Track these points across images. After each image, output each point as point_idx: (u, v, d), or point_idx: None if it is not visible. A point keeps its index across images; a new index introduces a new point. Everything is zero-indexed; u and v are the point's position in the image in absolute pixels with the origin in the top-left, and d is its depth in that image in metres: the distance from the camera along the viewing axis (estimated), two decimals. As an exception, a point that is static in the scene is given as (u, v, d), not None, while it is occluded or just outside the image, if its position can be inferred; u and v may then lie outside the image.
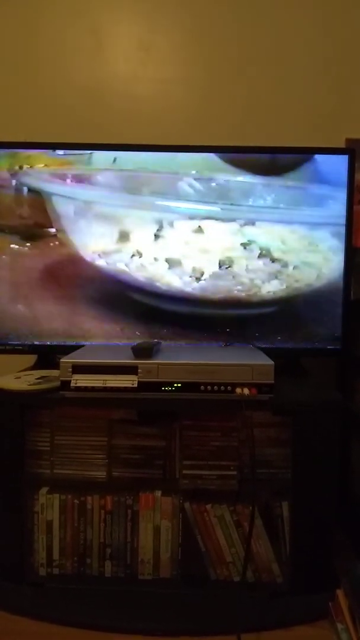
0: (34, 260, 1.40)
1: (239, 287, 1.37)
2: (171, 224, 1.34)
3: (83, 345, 1.39)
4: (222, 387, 1.17)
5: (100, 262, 1.39)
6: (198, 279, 1.35)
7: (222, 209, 1.34)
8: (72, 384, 1.17)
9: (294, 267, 1.39)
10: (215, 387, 1.17)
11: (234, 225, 1.34)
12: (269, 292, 1.39)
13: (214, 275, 1.36)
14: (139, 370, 1.17)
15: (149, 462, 1.29)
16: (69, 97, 1.68)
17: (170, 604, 1.22)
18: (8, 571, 1.24)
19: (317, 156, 1.40)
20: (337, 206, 1.39)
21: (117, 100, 1.69)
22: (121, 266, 1.38)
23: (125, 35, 1.68)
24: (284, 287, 1.39)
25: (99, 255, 1.38)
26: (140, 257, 1.36)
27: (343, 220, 1.40)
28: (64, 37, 1.68)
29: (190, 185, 1.28)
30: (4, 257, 1.40)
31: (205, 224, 1.35)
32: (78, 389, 1.17)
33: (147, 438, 1.29)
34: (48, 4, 1.67)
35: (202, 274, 1.34)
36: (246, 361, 1.19)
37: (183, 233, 1.36)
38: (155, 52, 1.68)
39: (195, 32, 1.67)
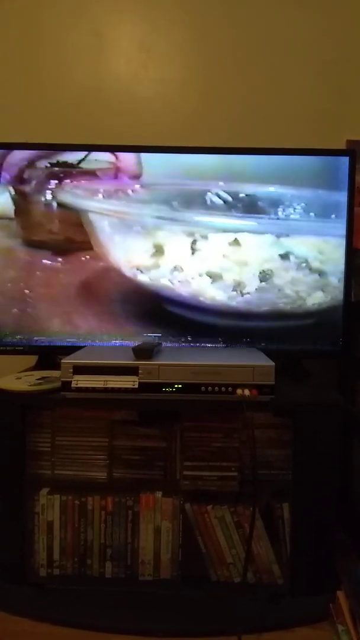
0: (70, 275, 1.40)
1: (284, 300, 1.37)
2: (205, 237, 1.34)
3: (84, 346, 1.40)
4: (223, 388, 1.17)
5: (142, 278, 1.39)
6: (243, 293, 1.34)
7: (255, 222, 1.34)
8: (73, 385, 1.17)
9: (334, 277, 1.39)
10: (216, 388, 1.17)
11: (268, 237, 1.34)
12: (313, 304, 1.39)
13: (259, 289, 1.36)
14: (140, 371, 1.17)
15: (149, 463, 1.29)
16: (71, 98, 1.68)
17: (170, 605, 1.22)
18: (9, 572, 1.24)
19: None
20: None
21: (119, 101, 1.69)
22: (164, 282, 1.38)
23: (127, 36, 1.68)
24: (329, 299, 1.40)
25: (139, 270, 1.38)
26: (181, 271, 1.36)
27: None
28: (66, 39, 1.68)
29: (219, 196, 1.28)
30: (38, 273, 1.41)
31: (240, 236, 1.35)
32: (79, 389, 1.17)
33: (148, 439, 1.29)
34: (50, 5, 1.67)
35: (244, 288, 1.33)
36: (247, 362, 1.19)
37: (219, 246, 1.36)
38: (156, 54, 1.68)
39: (195, 34, 1.68)
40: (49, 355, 1.48)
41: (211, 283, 1.36)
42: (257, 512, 1.22)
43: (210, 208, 1.33)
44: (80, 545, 1.28)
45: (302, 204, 1.35)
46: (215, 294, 1.37)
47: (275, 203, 1.34)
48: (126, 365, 1.18)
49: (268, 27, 1.67)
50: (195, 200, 1.35)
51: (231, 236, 1.34)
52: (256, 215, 1.34)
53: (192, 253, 1.33)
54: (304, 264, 1.35)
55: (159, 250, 1.35)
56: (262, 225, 1.34)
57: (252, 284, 1.37)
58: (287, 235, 1.35)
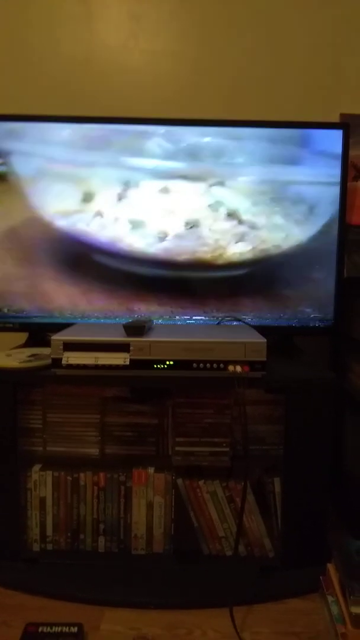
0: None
1: (204, 249, 1.34)
2: (137, 184, 1.31)
3: (74, 324, 1.39)
4: (215, 365, 1.16)
5: (61, 223, 1.35)
6: (162, 239, 1.31)
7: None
8: (64, 362, 1.16)
9: (261, 229, 1.35)
10: (207, 364, 1.16)
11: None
12: (234, 253, 1.36)
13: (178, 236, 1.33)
14: (131, 348, 1.16)
15: (141, 439, 1.30)
16: (57, 69, 1.64)
17: (163, 578, 1.24)
18: (2, 548, 1.25)
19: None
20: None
21: (107, 72, 1.65)
22: (82, 227, 1.34)
23: (116, 4, 1.64)
24: (250, 248, 1.36)
25: (60, 215, 1.35)
26: (102, 217, 1.33)
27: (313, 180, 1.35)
28: (52, 6, 1.63)
29: (159, 145, 1.25)
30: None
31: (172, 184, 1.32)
32: (69, 366, 1.16)
33: (139, 415, 1.29)
34: (36, -28, 1.62)
35: (166, 235, 1.30)
36: (238, 339, 1.18)
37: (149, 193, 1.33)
38: (146, 23, 1.64)
39: (187, 3, 1.63)
40: (39, 332, 1.47)
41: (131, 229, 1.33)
42: (249, 487, 1.23)
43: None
44: (73, 520, 1.29)
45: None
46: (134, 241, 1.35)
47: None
48: (117, 342, 1.17)
49: (261, -4, 1.63)
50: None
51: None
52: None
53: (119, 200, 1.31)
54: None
55: (87, 197, 1.33)
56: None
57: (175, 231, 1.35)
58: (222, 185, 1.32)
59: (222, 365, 1.16)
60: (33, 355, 1.29)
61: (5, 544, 1.25)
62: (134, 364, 1.16)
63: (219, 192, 1.30)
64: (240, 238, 1.32)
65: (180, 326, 1.38)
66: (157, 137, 1.32)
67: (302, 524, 1.23)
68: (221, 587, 1.17)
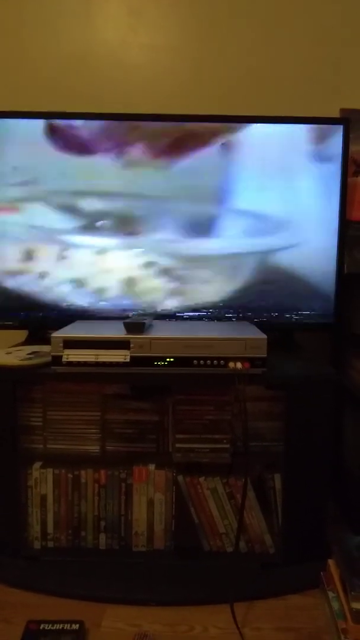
0: None
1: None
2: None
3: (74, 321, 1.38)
4: (215, 362, 1.16)
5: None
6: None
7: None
8: (64, 359, 1.16)
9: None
10: (208, 361, 1.16)
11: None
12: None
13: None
14: (131, 345, 1.16)
15: (142, 436, 1.30)
16: (56, 64, 1.63)
17: (164, 574, 1.24)
18: (3, 545, 1.25)
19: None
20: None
21: (106, 67, 1.64)
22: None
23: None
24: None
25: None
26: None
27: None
28: (51, 1, 1.62)
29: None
30: None
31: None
32: (70, 364, 1.16)
33: (140, 412, 1.29)
34: (34, -33, 1.61)
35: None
36: (239, 335, 1.18)
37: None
38: (145, 18, 1.63)
39: (186, -2, 1.62)
40: (39, 330, 1.46)
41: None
42: (249, 483, 1.23)
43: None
44: (74, 517, 1.29)
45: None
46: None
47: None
48: (117, 339, 1.17)
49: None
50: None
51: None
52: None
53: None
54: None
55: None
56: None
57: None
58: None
59: (222, 362, 1.16)
60: (33, 352, 1.28)
61: (6, 542, 1.25)
62: (134, 361, 1.16)
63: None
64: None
65: (180, 323, 1.37)
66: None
67: (303, 520, 1.23)
68: (222, 584, 1.17)
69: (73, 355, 1.16)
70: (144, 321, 1.21)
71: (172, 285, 1.38)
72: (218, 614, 1.13)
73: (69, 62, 1.63)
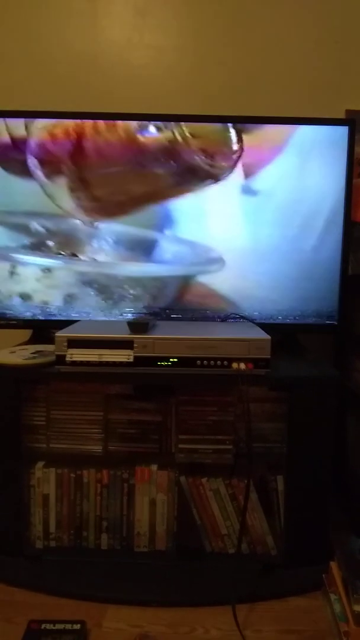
0: None
1: None
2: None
3: (78, 320, 1.38)
4: (219, 362, 1.16)
5: None
6: None
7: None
8: (68, 359, 1.16)
9: None
10: (211, 361, 1.16)
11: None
12: None
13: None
14: (135, 345, 1.16)
15: (145, 436, 1.29)
16: (63, 64, 1.63)
17: (165, 575, 1.24)
18: (5, 544, 1.25)
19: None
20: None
21: (112, 67, 1.64)
22: None
23: (121, 0, 1.63)
24: None
25: None
26: None
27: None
28: (58, 1, 1.62)
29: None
30: None
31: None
32: (73, 363, 1.16)
33: (143, 413, 1.29)
34: (41, -33, 1.61)
35: None
36: (242, 336, 1.18)
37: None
38: (151, 19, 1.63)
39: (192, -1, 1.62)
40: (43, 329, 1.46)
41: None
42: (252, 485, 1.23)
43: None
44: (76, 517, 1.29)
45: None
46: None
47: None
48: (121, 339, 1.17)
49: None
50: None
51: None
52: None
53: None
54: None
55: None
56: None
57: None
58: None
59: (225, 363, 1.16)
60: (37, 352, 1.29)
61: (9, 541, 1.25)
62: (138, 361, 1.16)
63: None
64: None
65: (184, 323, 1.37)
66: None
67: (305, 522, 1.23)
68: (224, 585, 1.17)
69: (77, 355, 1.16)
70: (148, 321, 1.21)
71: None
72: (219, 615, 1.13)
73: (75, 61, 1.63)
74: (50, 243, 1.41)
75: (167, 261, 1.42)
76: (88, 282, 1.42)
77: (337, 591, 1.12)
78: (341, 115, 1.60)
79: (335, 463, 1.23)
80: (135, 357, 1.16)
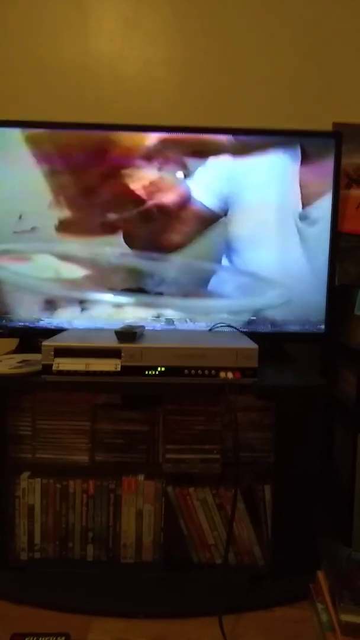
0: None
1: None
2: None
3: (66, 329, 1.38)
4: (206, 371, 1.16)
5: None
6: None
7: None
8: (54, 368, 1.15)
9: None
10: (199, 371, 1.16)
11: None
12: None
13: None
14: (122, 354, 1.16)
15: (132, 446, 1.29)
16: (52, 75, 1.64)
17: (152, 587, 1.23)
18: (-11, 555, 1.24)
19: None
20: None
21: (101, 79, 1.65)
22: None
23: (112, 11, 1.64)
24: None
25: None
26: None
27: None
28: (48, 12, 1.63)
29: None
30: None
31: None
32: (60, 372, 1.15)
33: (130, 422, 1.28)
34: (31, -22, 1.62)
35: None
36: (230, 345, 1.18)
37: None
38: (141, 31, 1.64)
39: (181, 11, 1.64)
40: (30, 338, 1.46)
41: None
42: (239, 494, 1.23)
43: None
44: (62, 528, 1.27)
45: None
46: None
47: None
48: (108, 348, 1.16)
49: (253, 7, 1.64)
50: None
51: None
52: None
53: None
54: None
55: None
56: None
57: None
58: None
59: (213, 372, 1.16)
60: (23, 361, 1.28)
61: (-7, 552, 1.24)
62: (125, 370, 1.16)
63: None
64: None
65: (172, 332, 1.37)
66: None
67: (292, 532, 1.22)
68: (211, 596, 1.16)
69: (64, 364, 1.15)
70: (136, 330, 1.21)
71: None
72: (206, 626, 1.12)
73: (65, 72, 1.64)
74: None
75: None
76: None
77: (324, 601, 1.12)
78: (328, 127, 1.62)
79: (322, 472, 1.23)
80: (123, 367, 1.16)
